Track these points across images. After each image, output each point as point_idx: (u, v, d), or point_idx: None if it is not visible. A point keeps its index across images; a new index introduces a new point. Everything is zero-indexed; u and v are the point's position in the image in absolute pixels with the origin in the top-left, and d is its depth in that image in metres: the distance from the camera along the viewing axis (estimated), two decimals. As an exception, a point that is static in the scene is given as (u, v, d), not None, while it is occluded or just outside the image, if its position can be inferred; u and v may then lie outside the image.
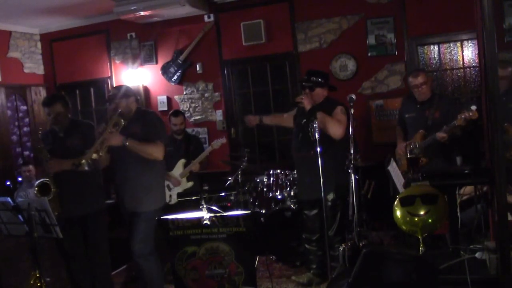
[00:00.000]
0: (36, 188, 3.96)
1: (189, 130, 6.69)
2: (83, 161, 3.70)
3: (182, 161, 5.47)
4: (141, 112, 4.07)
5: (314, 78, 4.39)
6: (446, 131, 4.34)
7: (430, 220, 2.63)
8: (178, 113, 5.72)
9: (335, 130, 4.14)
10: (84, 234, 4.12)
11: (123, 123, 3.83)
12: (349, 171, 3.87)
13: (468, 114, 4.14)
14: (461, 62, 5.81)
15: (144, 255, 3.92)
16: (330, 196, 4.26)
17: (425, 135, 4.54)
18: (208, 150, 5.62)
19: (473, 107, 4.15)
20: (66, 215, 3.94)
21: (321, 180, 3.87)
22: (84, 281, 4.19)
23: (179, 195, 4.69)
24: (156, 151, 3.88)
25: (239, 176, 5.53)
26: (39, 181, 3.98)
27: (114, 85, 7.20)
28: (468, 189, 3.33)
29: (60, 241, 4.06)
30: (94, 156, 3.74)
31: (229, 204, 5.45)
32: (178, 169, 5.46)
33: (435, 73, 5.85)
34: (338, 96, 4.53)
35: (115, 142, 3.78)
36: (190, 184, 5.47)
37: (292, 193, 5.12)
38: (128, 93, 4.01)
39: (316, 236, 4.43)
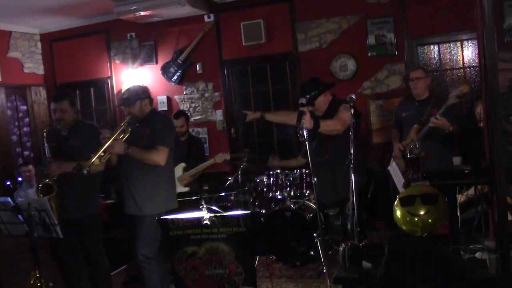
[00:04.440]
0: (39, 187, 3.91)
1: (189, 130, 6.69)
2: (86, 167, 3.69)
3: (182, 165, 5.42)
4: (152, 114, 4.07)
5: (308, 96, 4.27)
6: (440, 114, 4.42)
7: (430, 220, 2.63)
8: (178, 115, 5.65)
9: (333, 128, 4.12)
10: (78, 238, 4.08)
11: (130, 130, 3.85)
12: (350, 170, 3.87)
13: (459, 90, 4.22)
14: (461, 62, 5.81)
15: (147, 259, 3.91)
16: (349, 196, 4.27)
17: (420, 129, 4.61)
18: (210, 162, 5.51)
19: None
20: (60, 217, 3.91)
21: (316, 179, 3.90)
22: (79, 285, 4.17)
23: (179, 195, 4.68)
24: (157, 157, 3.86)
25: (239, 176, 5.52)
26: (43, 182, 3.92)
27: (115, 85, 7.23)
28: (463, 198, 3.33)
29: (54, 246, 4.07)
30: (97, 162, 3.76)
31: (229, 204, 5.44)
32: (177, 173, 5.41)
33: (435, 73, 5.85)
34: (338, 96, 4.53)
35: (117, 150, 3.80)
36: (186, 189, 5.41)
37: (292, 193, 5.12)
38: (142, 95, 4.00)
39: (341, 237, 4.49)
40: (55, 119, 4.11)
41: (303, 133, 3.62)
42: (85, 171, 3.69)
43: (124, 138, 3.84)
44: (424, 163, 4.57)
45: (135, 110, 3.96)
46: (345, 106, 4.23)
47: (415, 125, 4.64)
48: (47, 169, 3.94)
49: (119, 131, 3.84)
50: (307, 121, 3.77)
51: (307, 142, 3.63)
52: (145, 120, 3.99)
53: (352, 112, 3.71)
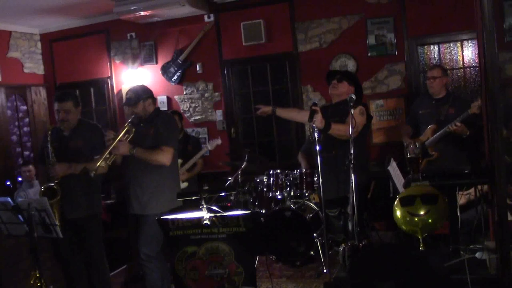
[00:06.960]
0: (42, 190, 3.90)
1: (189, 130, 6.70)
2: (92, 170, 3.69)
3: (179, 161, 5.44)
4: (156, 114, 4.07)
5: (342, 73, 4.42)
6: (459, 121, 4.46)
7: (430, 220, 2.63)
8: (172, 114, 5.67)
9: (344, 134, 4.10)
10: (78, 238, 4.08)
11: (134, 131, 3.86)
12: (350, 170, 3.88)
13: (480, 101, 4.20)
14: (461, 62, 5.81)
15: (148, 257, 3.92)
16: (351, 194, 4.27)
17: (436, 130, 4.67)
18: (204, 151, 5.60)
19: None
20: (62, 217, 3.90)
21: (320, 180, 3.90)
22: (81, 285, 4.17)
23: (179, 195, 4.67)
24: (162, 157, 3.87)
25: (239, 176, 5.52)
26: (46, 185, 3.90)
27: (115, 85, 7.23)
28: (463, 200, 3.34)
29: (57, 246, 4.06)
30: (103, 164, 3.76)
31: (229, 204, 5.45)
32: None
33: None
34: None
35: (122, 152, 3.81)
36: (185, 185, 5.43)
37: (292, 193, 5.12)
38: (144, 95, 4.00)
39: (341, 238, 4.48)
40: (59, 119, 4.07)
41: (314, 132, 3.64)
42: (92, 174, 3.71)
43: (129, 139, 3.84)
44: (439, 164, 4.64)
45: (138, 110, 3.97)
46: (361, 109, 4.22)
47: (433, 125, 4.70)
48: (51, 171, 3.92)
49: (123, 131, 3.84)
50: (318, 120, 3.81)
51: (317, 141, 3.64)
52: (149, 119, 4.00)
53: (364, 114, 3.74)
